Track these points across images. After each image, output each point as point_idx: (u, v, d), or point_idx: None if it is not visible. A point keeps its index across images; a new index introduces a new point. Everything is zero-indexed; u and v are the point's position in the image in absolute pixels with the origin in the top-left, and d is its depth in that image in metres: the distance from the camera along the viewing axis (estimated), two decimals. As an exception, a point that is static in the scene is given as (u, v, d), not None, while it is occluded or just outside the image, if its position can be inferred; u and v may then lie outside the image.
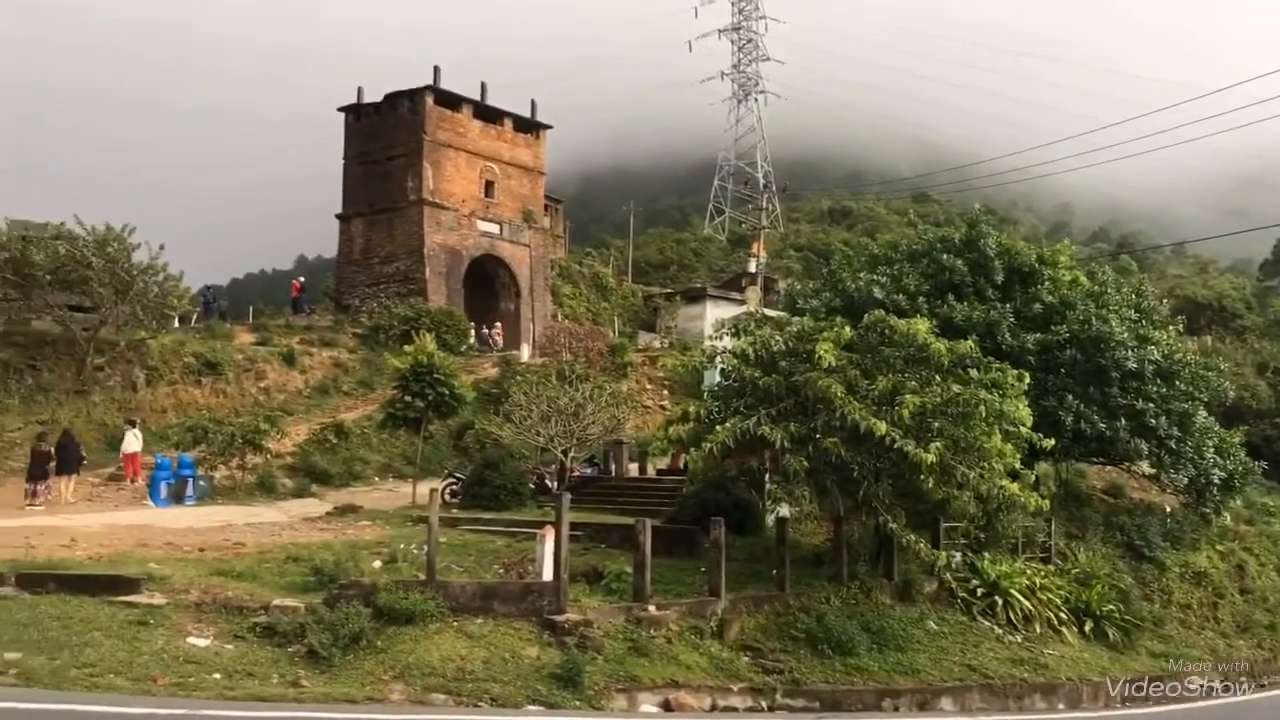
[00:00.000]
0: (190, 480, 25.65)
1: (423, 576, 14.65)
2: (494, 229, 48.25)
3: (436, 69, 46.50)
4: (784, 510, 18.44)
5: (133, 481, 26.44)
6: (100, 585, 13.32)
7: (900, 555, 19.49)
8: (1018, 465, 17.70)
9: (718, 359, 19.54)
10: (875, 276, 25.08)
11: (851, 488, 17.16)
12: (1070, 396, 22.85)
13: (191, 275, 34.67)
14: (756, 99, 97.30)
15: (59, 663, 10.58)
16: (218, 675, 11.34)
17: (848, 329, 17.73)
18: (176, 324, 36.60)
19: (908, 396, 16.51)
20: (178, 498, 25.15)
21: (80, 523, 20.27)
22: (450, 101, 46.91)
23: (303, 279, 54.07)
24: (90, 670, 10.59)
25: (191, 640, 12.10)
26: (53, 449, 24.64)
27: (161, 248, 31.71)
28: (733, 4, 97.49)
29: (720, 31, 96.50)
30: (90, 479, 26.59)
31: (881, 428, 15.91)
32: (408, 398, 26.47)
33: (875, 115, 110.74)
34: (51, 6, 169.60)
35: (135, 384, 32.35)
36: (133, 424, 27.89)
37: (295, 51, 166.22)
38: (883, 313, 18.72)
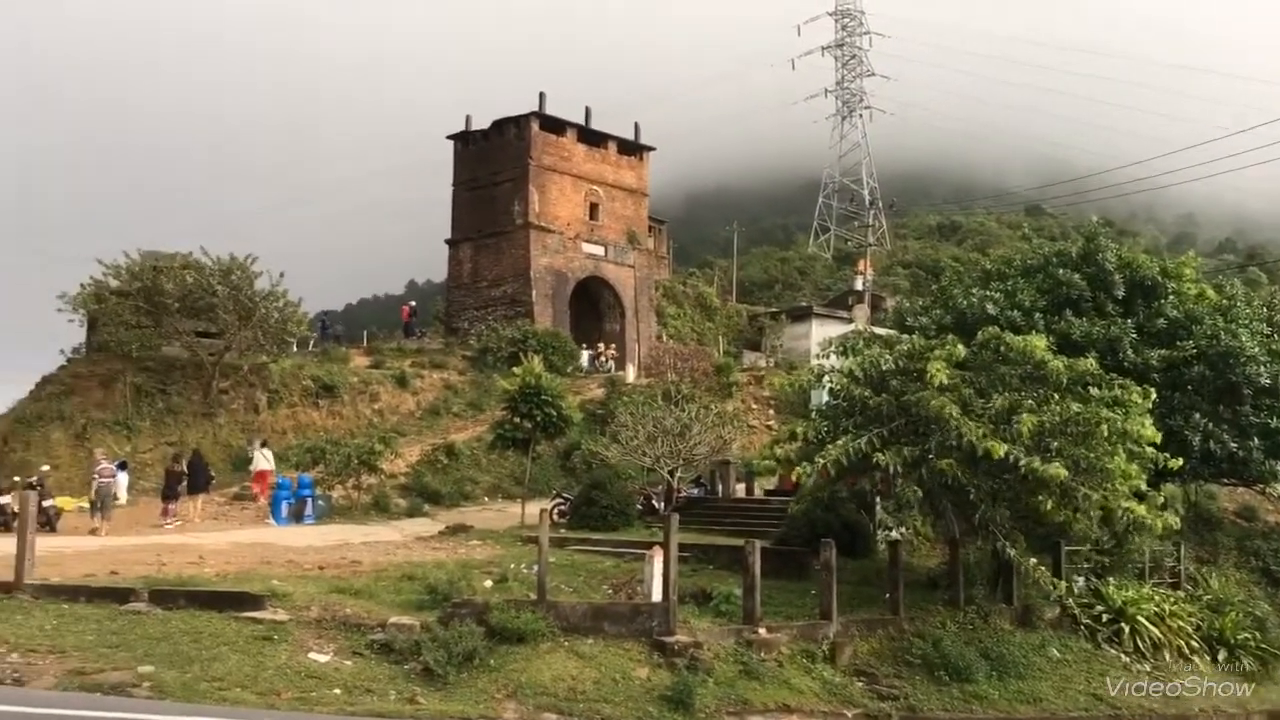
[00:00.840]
0: (309, 500, 26.45)
1: (533, 596, 14.79)
2: (599, 251, 48.69)
3: (541, 95, 47.29)
4: (896, 533, 18.09)
5: (258, 500, 27.38)
6: (227, 601, 13.80)
7: (1020, 580, 18.90)
8: (1143, 486, 17.03)
9: (825, 378, 19.31)
10: (988, 292, 24.50)
11: (967, 510, 16.74)
12: (1198, 415, 21.91)
13: (309, 301, 35.96)
14: (861, 115, 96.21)
15: (189, 676, 10.98)
16: (338, 691, 11.62)
17: (960, 347, 17.36)
18: (295, 348, 37.84)
19: (1025, 415, 16.05)
20: (298, 517, 25.95)
21: (207, 540, 21.07)
22: (555, 126, 47.62)
23: (414, 303, 55.38)
24: (218, 684, 10.96)
25: (313, 656, 12.43)
26: (185, 469, 25.77)
27: (282, 275, 32.98)
28: (836, 21, 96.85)
29: (824, 49, 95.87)
30: (216, 498, 27.65)
31: (1000, 449, 15.48)
32: (516, 419, 26.79)
33: (985, 128, 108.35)
34: (165, 37, 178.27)
35: (257, 406, 33.59)
36: (264, 444, 29.06)
37: (409, 79, 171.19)
38: (997, 329, 18.27)
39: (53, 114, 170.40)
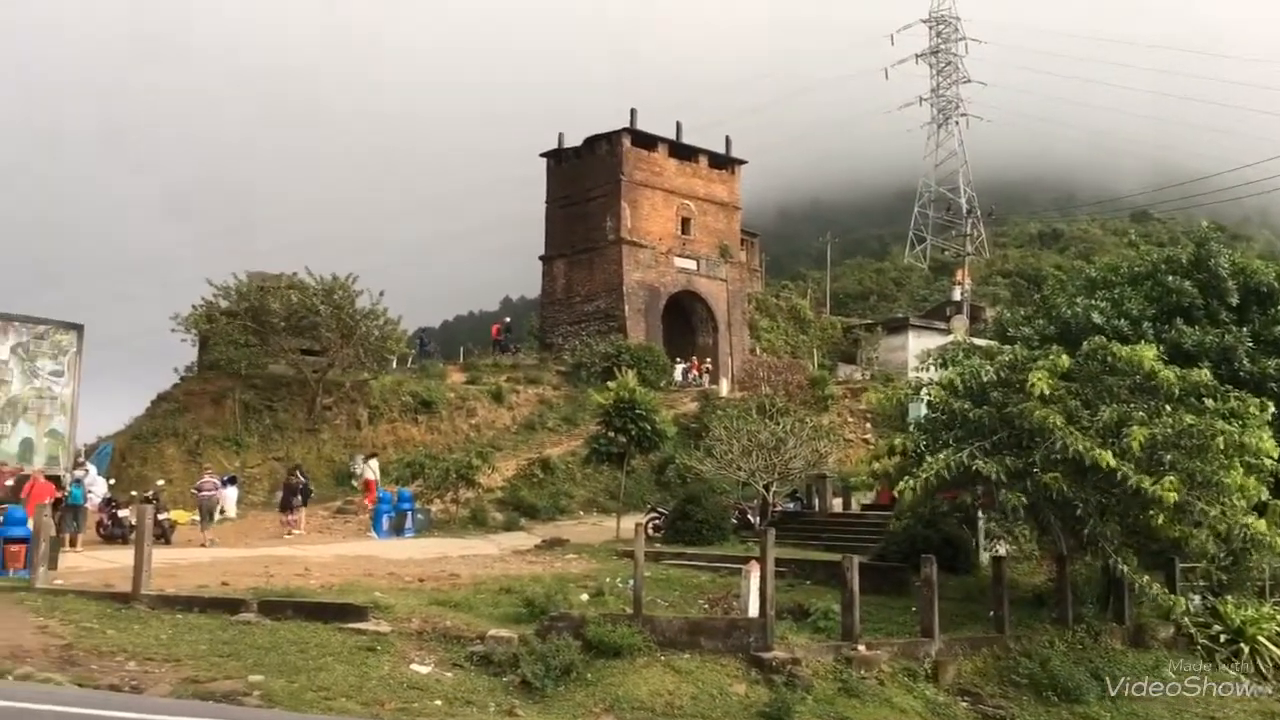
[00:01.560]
0: (409, 513, 26.97)
1: (630, 610, 14.81)
2: (691, 265, 48.75)
3: (633, 111, 47.64)
4: (1000, 548, 17.65)
5: (369, 507, 27.97)
6: (331, 613, 14.14)
7: (1131, 597, 18.27)
8: (1264, 500, 16.31)
9: (924, 390, 18.97)
10: (1093, 301, 23.75)
11: (1075, 525, 16.25)
12: (1321, 426, 20.84)
13: (407, 319, 36.72)
14: (957, 122, 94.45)
15: (297, 685, 11.26)
16: (439, 702, 11.80)
17: (1065, 357, 16.89)
18: (395, 365, 38.69)
19: (1135, 428, 15.53)
20: (398, 530, 26.48)
21: (312, 553, 21.64)
22: (646, 142, 47.90)
23: (508, 318, 56.11)
24: (324, 693, 11.22)
25: (415, 667, 12.65)
26: (304, 482, 26.65)
27: (381, 294, 33.79)
28: (931, 28, 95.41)
29: (918, 56, 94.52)
30: (320, 511, 28.40)
31: (1109, 458, 14.99)
32: (611, 433, 26.97)
33: (1087, 132, 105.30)
34: (251, 60, 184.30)
35: (359, 422, 34.45)
36: (372, 456, 29.87)
37: (502, 96, 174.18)
38: (1103, 339, 17.72)
39: (164, 149, 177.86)
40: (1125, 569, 15.98)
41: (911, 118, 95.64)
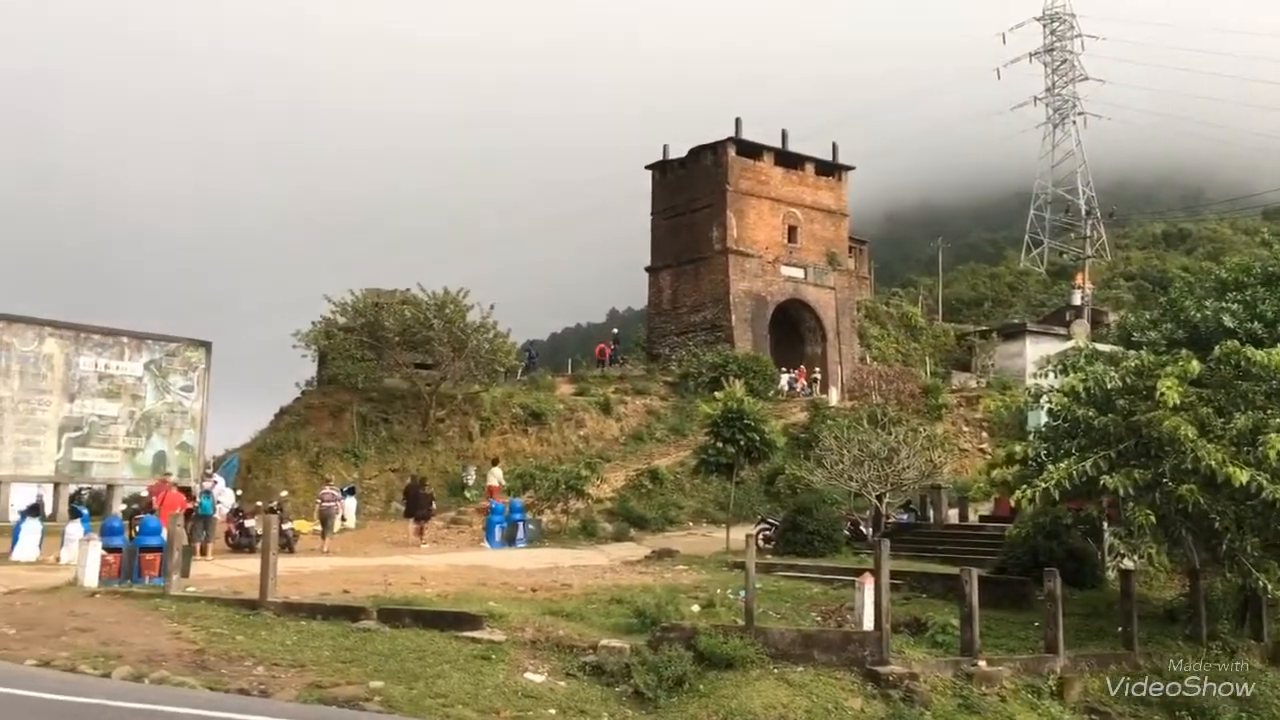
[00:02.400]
0: (521, 524, 27.35)
1: (741, 622, 14.73)
2: (798, 273, 48.33)
3: (738, 120, 47.53)
4: (1128, 562, 16.97)
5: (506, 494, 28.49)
6: (447, 621, 14.42)
7: (1270, 614, 17.37)
8: None
9: (1044, 398, 18.42)
10: (1224, 304, 22.79)
11: (1209, 538, 15.56)
12: None
13: (516, 332, 37.45)
14: (1075, 121, 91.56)
15: (415, 692, 11.51)
16: (553, 711, 11.91)
17: (1194, 362, 16.19)
18: (505, 378, 39.32)
19: (1272, 436, 14.78)
20: (510, 540, 26.87)
21: (428, 562, 22.11)
22: (751, 151, 47.72)
23: (615, 330, 56.53)
24: (442, 700, 11.44)
25: (529, 676, 12.80)
26: (427, 492, 27.35)
27: (492, 307, 34.46)
28: (1045, 26, 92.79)
29: (1031, 55, 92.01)
30: (434, 522, 28.98)
31: (1243, 474, 14.29)
32: (719, 443, 26.87)
33: (1216, 127, 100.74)
34: (368, 84, 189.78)
35: (471, 434, 35.12)
36: (497, 462, 31.04)
37: (603, 108, 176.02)
38: (1236, 343, 16.93)
39: (292, 170, 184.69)
40: (1267, 584, 15.21)
41: (1026, 118, 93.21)
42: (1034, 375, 22.37)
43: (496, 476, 30.28)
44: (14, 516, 23.08)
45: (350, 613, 14.55)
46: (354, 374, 34.34)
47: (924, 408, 39.03)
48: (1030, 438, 18.87)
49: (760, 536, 25.10)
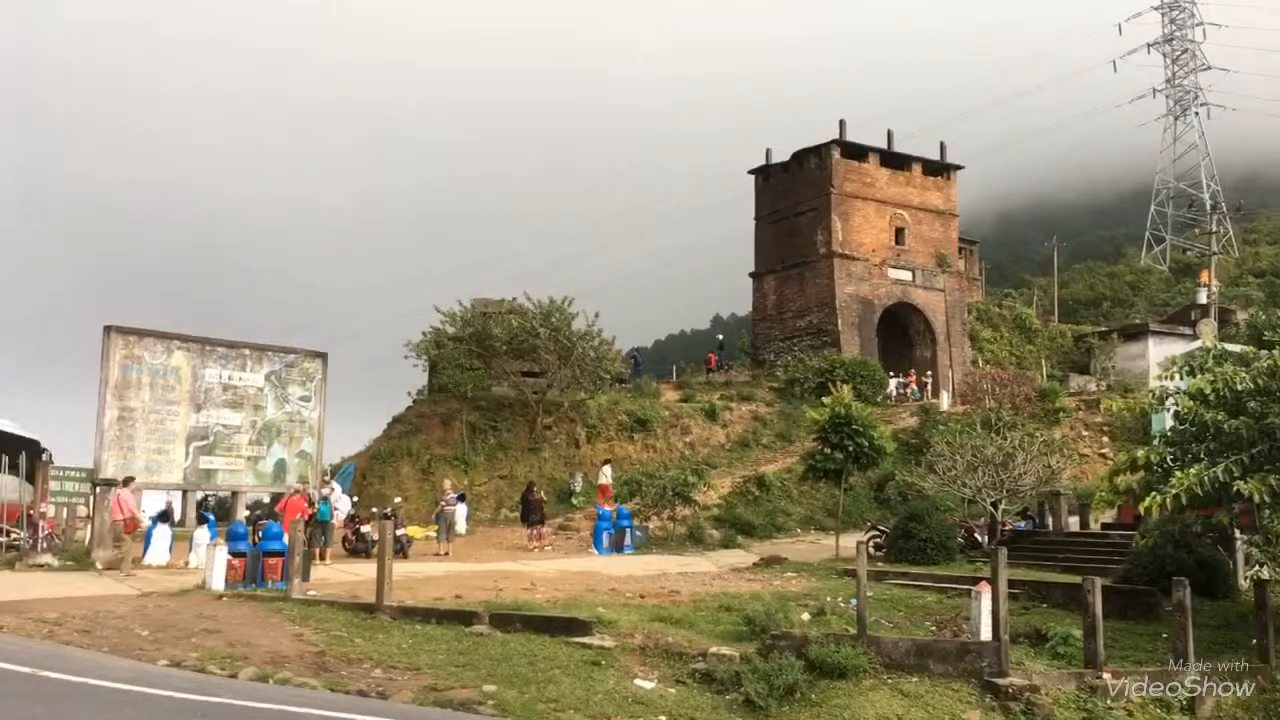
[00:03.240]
0: (628, 530, 27.47)
1: (853, 630, 14.52)
2: (906, 276, 47.54)
3: (842, 122, 47.04)
4: (1265, 572, 16.18)
5: (608, 504, 28.67)
6: (557, 626, 14.56)
7: None
8: None
9: (1169, 400, 17.70)
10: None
11: (1354, 547, 14.70)
12: None
13: (621, 340, 37.55)
14: (1197, 113, 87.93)
15: (527, 696, 11.65)
16: (663, 717, 11.92)
17: (1335, 361, 15.35)
18: (610, 385, 39.56)
19: None
20: (617, 547, 27.00)
21: (537, 568, 22.38)
22: (856, 153, 47.16)
23: (720, 337, 56.45)
24: (554, 705, 11.55)
25: (638, 682, 12.83)
26: (538, 498, 27.75)
27: (597, 315, 34.75)
28: (1163, 15, 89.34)
29: (1150, 46, 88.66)
30: (545, 529, 29.31)
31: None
32: (827, 449, 26.55)
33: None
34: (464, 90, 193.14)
35: (577, 441, 35.46)
36: (608, 462, 31.52)
37: (706, 115, 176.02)
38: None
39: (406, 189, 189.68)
40: None
41: (1145, 111, 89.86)
42: (1158, 377, 21.50)
43: (606, 476, 30.70)
44: (146, 522, 24.18)
45: (463, 617, 14.80)
46: (463, 383, 35.02)
47: (1040, 412, 37.91)
48: (1155, 442, 18.16)
49: (871, 544, 24.70)
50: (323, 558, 22.53)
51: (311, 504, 23.28)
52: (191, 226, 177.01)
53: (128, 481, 22.55)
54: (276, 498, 25.06)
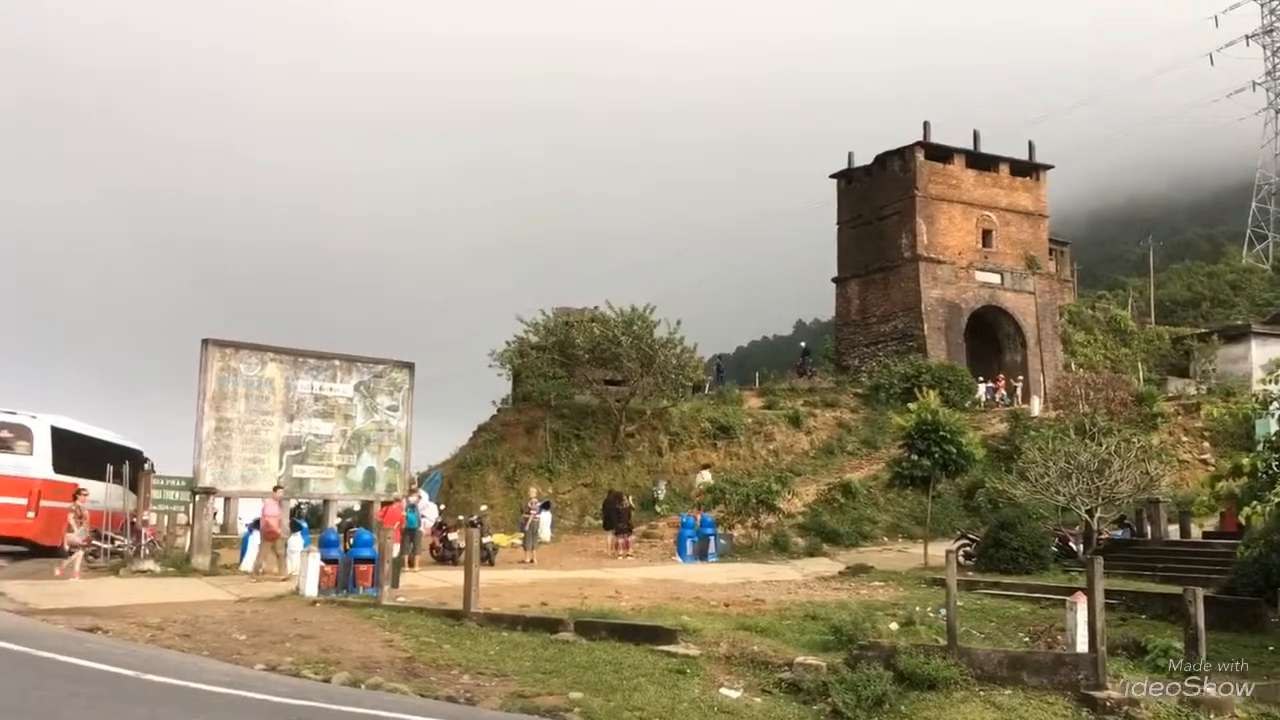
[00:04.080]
0: (712, 538, 27.40)
1: (942, 641, 14.25)
2: (994, 279, 46.67)
3: (926, 124, 46.45)
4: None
5: (698, 512, 28.71)
6: (642, 634, 14.58)
7: None
8: None
9: (1273, 405, 17.04)
10: None
11: None
12: None
13: (703, 347, 37.62)
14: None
15: (613, 704, 11.69)
16: (749, 727, 11.86)
17: None
18: (693, 392, 39.55)
19: None
20: (701, 555, 26.95)
21: (621, 576, 22.45)
22: (941, 154, 46.48)
23: (804, 344, 56.02)
24: (639, 713, 11.57)
25: (724, 691, 12.78)
26: (625, 506, 27.91)
27: (679, 323, 34.77)
28: (1262, 6, 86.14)
29: (1248, 38, 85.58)
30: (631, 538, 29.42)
31: None
32: (914, 456, 26.27)
33: None
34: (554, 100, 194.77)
35: (660, 448, 35.54)
36: (707, 466, 31.69)
37: (786, 119, 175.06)
38: None
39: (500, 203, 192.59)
40: None
41: (1244, 105, 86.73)
42: (1262, 380, 20.70)
43: (706, 479, 30.73)
44: (242, 529, 24.90)
45: (549, 625, 14.92)
46: (546, 391, 35.36)
47: (1137, 417, 36.83)
48: (1259, 448, 17.47)
49: (960, 552, 24.28)
50: (411, 565, 22.93)
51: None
52: (282, 244, 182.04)
53: (275, 490, 23.34)
54: (366, 505, 25.59)
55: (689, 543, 27.09)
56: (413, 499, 25.22)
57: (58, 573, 19.18)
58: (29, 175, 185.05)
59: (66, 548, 19.96)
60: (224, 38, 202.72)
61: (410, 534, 23.86)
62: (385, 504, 24.33)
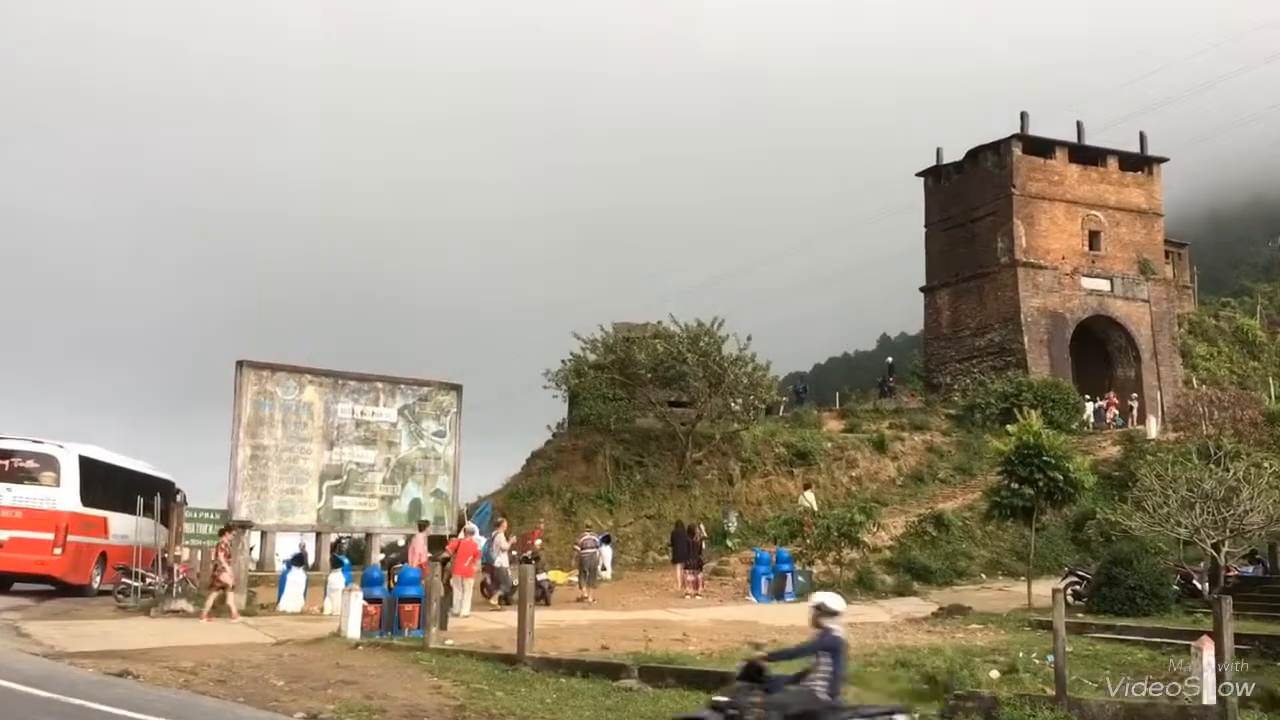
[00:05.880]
0: (789, 575, 27.22)
1: (1050, 691, 13.97)
2: (1103, 285, 45.90)
3: (1023, 115, 45.90)
4: None
5: (808, 531, 28.58)
6: (713, 681, 14.43)
7: None
8: None
9: None
10: None
11: None
12: None
13: (776, 365, 37.44)
14: None
15: (681, 757, 11.64)
16: (833, 785, 11.70)
17: None
18: (765, 414, 39.41)
19: None
20: (777, 594, 26.79)
21: (689, 617, 22.39)
22: (1041, 148, 45.91)
23: (890, 360, 55.61)
24: (709, 768, 11.50)
25: (805, 744, 12.65)
26: (697, 539, 27.87)
27: (749, 338, 34.74)
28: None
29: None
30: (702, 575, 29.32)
31: None
32: (1014, 484, 25.87)
33: None
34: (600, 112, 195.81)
35: (731, 476, 35.46)
36: (807, 486, 31.77)
37: (864, 115, 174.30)
38: None
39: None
40: None
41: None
42: None
43: (810, 502, 30.44)
44: (280, 566, 25.29)
45: (610, 670, 14.91)
46: (606, 414, 35.42)
47: (1269, 439, 35.88)
48: None
49: (1069, 591, 23.83)
50: (507, 602, 23.07)
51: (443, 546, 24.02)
52: (313, 257, 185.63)
53: (423, 526, 23.80)
54: (409, 540, 25.84)
55: (764, 580, 26.94)
56: (462, 534, 25.36)
57: (204, 619, 19.70)
58: (53, 188, 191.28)
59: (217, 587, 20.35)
60: (248, 45, 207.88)
61: (491, 569, 24.07)
62: (457, 538, 24.36)
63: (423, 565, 20.90)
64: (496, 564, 24.87)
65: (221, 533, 21.31)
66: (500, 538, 25.57)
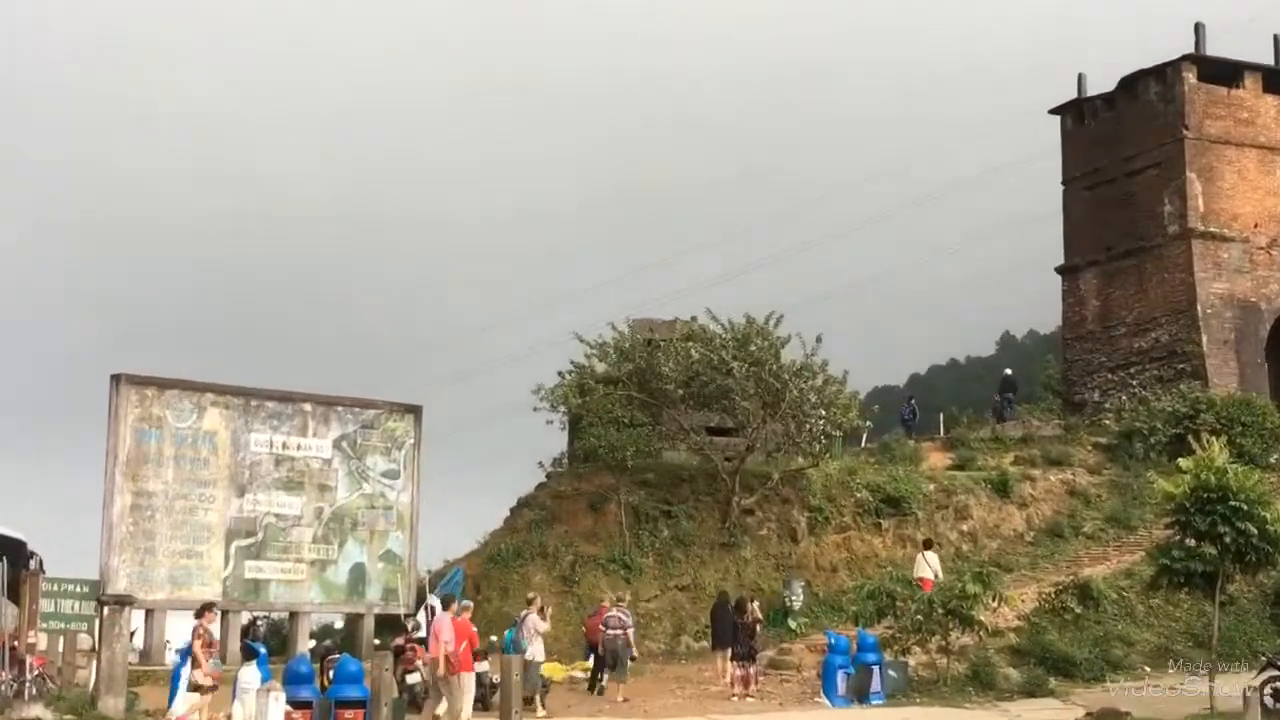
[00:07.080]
0: (875, 669, 27.08)
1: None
2: (1312, 264, 45.72)
3: (1198, 27, 45.67)
4: None
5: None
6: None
7: None
8: None
9: None
10: None
11: None
12: None
13: (856, 377, 36.98)
14: None
15: None
16: None
17: None
18: (843, 445, 39.12)
19: None
20: (859, 694, 26.65)
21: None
22: (1223, 73, 45.70)
23: (1008, 371, 55.28)
24: None
25: None
26: (749, 619, 27.75)
27: (818, 340, 34.38)
28: None
29: None
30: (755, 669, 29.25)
31: None
32: (1190, 541, 25.72)
33: None
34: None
35: (795, 531, 35.34)
36: (928, 545, 31.85)
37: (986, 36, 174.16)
38: None
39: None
40: None
41: None
42: None
43: (931, 563, 30.62)
44: (171, 658, 25.23)
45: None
46: (621, 446, 35.14)
47: None
48: None
49: (1267, 690, 23.72)
50: (543, 705, 22.96)
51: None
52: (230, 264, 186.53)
53: (447, 603, 23.60)
54: (351, 619, 25.71)
55: (841, 676, 26.82)
56: (525, 611, 24.73)
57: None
58: None
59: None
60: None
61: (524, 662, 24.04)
62: (448, 616, 24.03)
63: (457, 659, 20.60)
64: (528, 655, 24.35)
65: (199, 614, 20.81)
66: (534, 619, 25.08)
